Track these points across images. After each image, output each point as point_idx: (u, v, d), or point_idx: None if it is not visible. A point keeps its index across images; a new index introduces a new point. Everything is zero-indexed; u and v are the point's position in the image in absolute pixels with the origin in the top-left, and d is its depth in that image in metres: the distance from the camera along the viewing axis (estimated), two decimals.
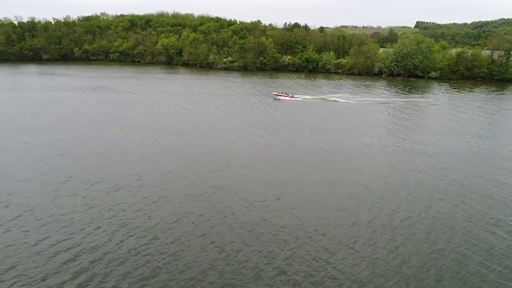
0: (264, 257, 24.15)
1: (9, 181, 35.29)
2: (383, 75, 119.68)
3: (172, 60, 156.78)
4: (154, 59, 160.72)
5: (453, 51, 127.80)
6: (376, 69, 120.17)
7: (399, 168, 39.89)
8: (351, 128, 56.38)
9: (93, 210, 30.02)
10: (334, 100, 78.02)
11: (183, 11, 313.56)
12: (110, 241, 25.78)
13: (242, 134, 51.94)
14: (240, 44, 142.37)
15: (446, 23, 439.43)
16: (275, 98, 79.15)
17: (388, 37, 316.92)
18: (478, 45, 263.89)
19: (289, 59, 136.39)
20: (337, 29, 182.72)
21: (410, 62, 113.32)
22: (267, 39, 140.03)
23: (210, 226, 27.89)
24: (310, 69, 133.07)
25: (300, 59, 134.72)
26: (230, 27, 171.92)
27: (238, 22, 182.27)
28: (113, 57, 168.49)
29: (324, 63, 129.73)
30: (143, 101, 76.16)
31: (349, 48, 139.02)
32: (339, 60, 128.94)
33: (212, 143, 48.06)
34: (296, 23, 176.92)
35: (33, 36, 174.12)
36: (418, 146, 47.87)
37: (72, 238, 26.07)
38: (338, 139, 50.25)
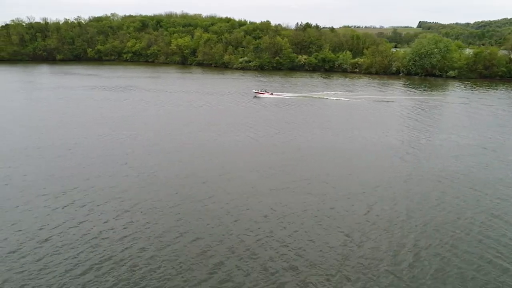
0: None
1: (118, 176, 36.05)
2: (400, 74, 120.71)
3: (186, 60, 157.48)
4: (168, 59, 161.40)
5: (467, 51, 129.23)
6: (394, 69, 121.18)
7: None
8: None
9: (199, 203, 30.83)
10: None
11: (182, 11, 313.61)
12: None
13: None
14: (256, 44, 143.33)
15: (448, 23, 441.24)
16: (255, 96, 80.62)
17: (393, 37, 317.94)
18: (483, 44, 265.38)
19: (305, 59, 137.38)
20: (349, 29, 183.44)
21: (428, 62, 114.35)
22: (282, 39, 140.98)
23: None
24: (327, 68, 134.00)
25: (316, 58, 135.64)
26: (241, 27, 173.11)
27: (249, 22, 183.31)
28: (126, 57, 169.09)
29: (341, 63, 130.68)
30: (191, 99, 77.52)
31: (364, 48, 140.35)
32: (356, 59, 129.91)
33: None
34: (307, 23, 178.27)
35: (45, 37, 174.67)
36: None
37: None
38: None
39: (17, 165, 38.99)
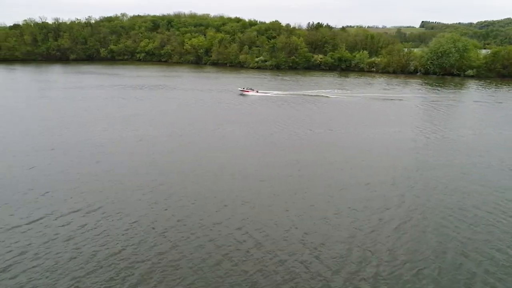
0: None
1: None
2: (418, 74, 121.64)
3: (200, 59, 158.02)
4: (182, 58, 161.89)
5: (483, 51, 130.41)
6: (412, 68, 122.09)
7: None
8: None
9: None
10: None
11: (191, 10, 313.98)
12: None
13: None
14: (271, 44, 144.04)
15: (450, 22, 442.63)
16: (240, 94, 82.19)
17: (397, 37, 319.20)
18: (488, 44, 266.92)
19: (320, 58, 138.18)
20: (361, 28, 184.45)
21: (447, 61, 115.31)
22: (298, 38, 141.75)
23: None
24: (343, 68, 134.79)
25: (332, 58, 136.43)
26: (252, 27, 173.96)
27: (259, 22, 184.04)
28: (139, 57, 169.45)
29: (357, 62, 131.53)
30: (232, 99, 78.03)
31: (379, 48, 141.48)
32: (373, 59, 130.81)
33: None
34: (318, 22, 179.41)
35: (56, 37, 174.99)
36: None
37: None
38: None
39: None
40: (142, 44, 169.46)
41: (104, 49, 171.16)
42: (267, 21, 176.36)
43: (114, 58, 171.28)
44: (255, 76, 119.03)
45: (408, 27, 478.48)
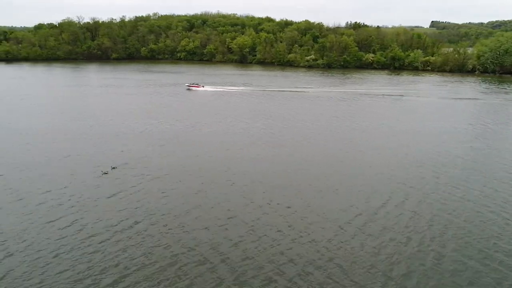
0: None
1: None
2: (476, 72, 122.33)
3: (245, 58, 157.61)
4: (225, 58, 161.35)
5: None
6: (470, 66, 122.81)
7: None
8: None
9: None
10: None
11: (185, 11, 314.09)
12: None
13: None
14: (320, 43, 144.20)
15: (461, 22, 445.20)
16: (187, 89, 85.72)
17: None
18: None
19: (372, 57, 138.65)
20: (401, 28, 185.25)
21: (509, 59, 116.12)
22: (348, 37, 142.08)
23: None
24: (396, 66, 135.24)
25: (384, 57, 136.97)
26: (289, 26, 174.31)
27: (295, 22, 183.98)
28: (179, 56, 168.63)
29: (411, 61, 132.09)
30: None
31: (426, 46, 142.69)
32: (427, 57, 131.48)
33: None
34: (356, 22, 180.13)
35: (93, 36, 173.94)
36: None
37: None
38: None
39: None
40: (183, 43, 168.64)
41: (144, 48, 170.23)
42: (306, 21, 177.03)
43: (154, 57, 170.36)
44: (314, 74, 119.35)
45: (415, 27, 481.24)
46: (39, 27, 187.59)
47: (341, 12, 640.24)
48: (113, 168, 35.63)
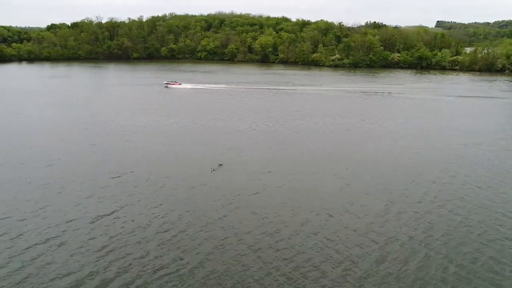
0: None
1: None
2: (506, 72, 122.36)
3: (267, 58, 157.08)
4: (247, 57, 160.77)
5: None
6: (499, 66, 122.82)
7: None
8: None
9: None
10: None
11: (185, 11, 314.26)
12: None
13: None
14: (345, 43, 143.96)
15: (467, 22, 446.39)
16: (166, 86, 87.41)
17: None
18: None
19: (398, 57, 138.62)
20: (422, 27, 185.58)
21: None
22: (373, 37, 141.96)
23: None
24: (423, 66, 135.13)
25: (411, 56, 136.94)
26: (308, 26, 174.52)
27: (312, 22, 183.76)
28: (200, 55, 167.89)
29: (439, 60, 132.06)
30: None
31: (451, 46, 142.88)
32: (455, 57, 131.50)
33: None
34: (374, 22, 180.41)
35: (112, 36, 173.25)
36: None
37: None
38: None
39: None
40: (203, 43, 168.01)
41: (164, 47, 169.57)
42: (322, 21, 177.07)
43: (174, 57, 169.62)
44: (348, 73, 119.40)
45: (419, 26, 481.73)
46: (52, 27, 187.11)
47: (341, 12, 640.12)
48: (220, 165, 35.79)
